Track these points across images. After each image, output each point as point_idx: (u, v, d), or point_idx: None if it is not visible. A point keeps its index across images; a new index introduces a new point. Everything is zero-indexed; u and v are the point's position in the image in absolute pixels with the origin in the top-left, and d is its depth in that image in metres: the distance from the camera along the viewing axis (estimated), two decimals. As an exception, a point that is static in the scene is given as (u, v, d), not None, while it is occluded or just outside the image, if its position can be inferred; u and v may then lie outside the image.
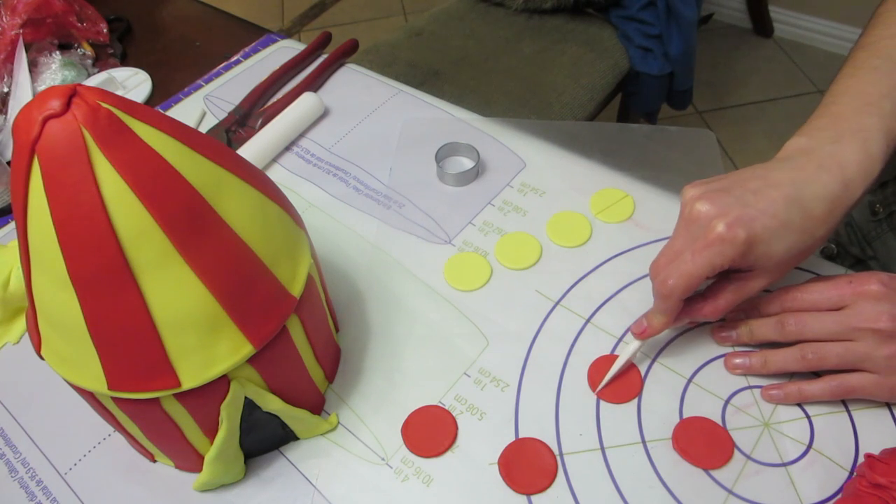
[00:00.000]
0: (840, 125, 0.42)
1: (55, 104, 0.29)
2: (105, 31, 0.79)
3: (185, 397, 0.35)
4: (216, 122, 0.67)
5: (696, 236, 0.40)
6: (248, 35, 0.79)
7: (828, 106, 0.43)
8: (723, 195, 0.40)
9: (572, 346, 0.47)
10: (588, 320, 0.48)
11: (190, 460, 0.42)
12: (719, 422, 0.42)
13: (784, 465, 0.40)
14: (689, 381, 0.44)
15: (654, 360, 0.45)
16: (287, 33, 2.01)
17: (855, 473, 0.39)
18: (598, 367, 0.45)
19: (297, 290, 0.38)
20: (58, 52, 0.75)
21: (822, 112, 0.43)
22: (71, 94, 0.29)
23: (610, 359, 0.45)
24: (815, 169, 0.40)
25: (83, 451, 0.45)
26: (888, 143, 0.41)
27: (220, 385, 0.36)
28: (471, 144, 0.59)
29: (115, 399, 0.36)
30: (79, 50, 0.77)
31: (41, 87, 0.72)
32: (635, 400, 0.44)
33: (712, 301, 0.42)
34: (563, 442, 0.42)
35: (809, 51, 1.94)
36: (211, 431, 0.39)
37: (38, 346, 0.37)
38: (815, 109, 0.44)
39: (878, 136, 0.41)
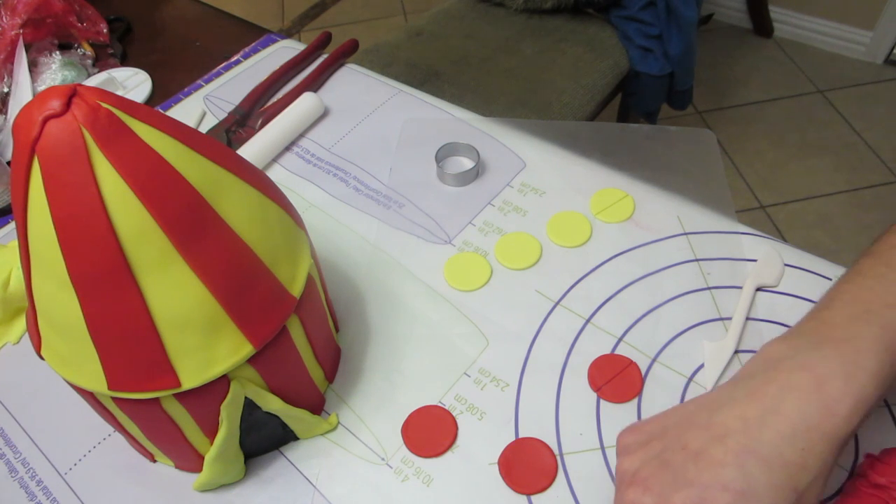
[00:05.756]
0: (822, 331, 0.34)
1: (55, 104, 0.29)
2: (105, 31, 0.79)
3: (185, 397, 0.35)
4: (216, 122, 0.67)
5: None
6: (248, 35, 0.79)
7: (817, 311, 0.36)
8: (660, 472, 0.32)
9: (572, 346, 0.47)
10: (588, 320, 0.48)
11: (190, 460, 0.42)
12: (719, 422, 0.42)
13: (784, 465, 0.40)
14: (690, 380, 0.44)
15: (654, 360, 0.45)
16: (287, 33, 2.01)
17: (855, 473, 0.39)
18: (599, 367, 0.45)
19: (297, 290, 0.38)
20: (58, 52, 0.75)
21: (809, 317, 0.36)
22: (71, 94, 0.29)
23: (610, 358, 0.45)
24: (777, 393, 0.31)
25: (83, 451, 0.45)
26: (890, 359, 0.32)
27: (220, 385, 0.36)
28: (471, 144, 0.59)
29: (115, 399, 0.36)
30: (79, 50, 0.77)
31: (41, 87, 0.72)
32: (635, 400, 0.44)
33: None
34: (563, 442, 0.42)
35: (809, 51, 1.94)
36: (211, 431, 0.39)
37: (38, 346, 0.37)
38: (803, 317, 0.36)
39: (874, 348, 0.31)
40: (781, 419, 0.31)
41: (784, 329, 0.46)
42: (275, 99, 0.68)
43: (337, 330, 0.49)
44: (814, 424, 0.30)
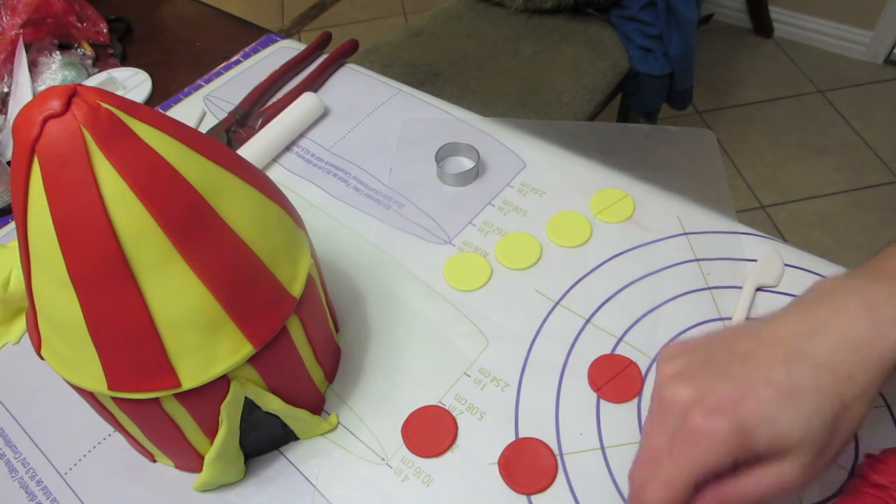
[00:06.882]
0: (877, 271, 0.33)
1: (55, 104, 0.29)
2: (105, 31, 0.79)
3: (185, 397, 0.35)
4: (216, 122, 0.67)
5: (673, 429, 0.31)
6: (248, 35, 0.79)
7: (867, 263, 0.35)
8: (702, 369, 0.31)
9: (572, 346, 0.47)
10: (588, 320, 0.48)
11: (190, 460, 0.42)
12: (719, 422, 0.42)
13: (784, 465, 0.40)
14: (689, 381, 0.44)
15: (654, 360, 0.45)
16: (287, 33, 2.01)
17: (855, 473, 0.39)
18: (599, 367, 0.45)
19: (297, 290, 0.38)
20: (58, 52, 0.75)
21: (859, 267, 0.35)
22: (71, 94, 0.29)
23: (610, 358, 0.45)
24: (828, 314, 0.31)
25: (83, 451, 0.45)
26: None
27: (220, 385, 0.36)
28: (471, 144, 0.59)
29: (115, 399, 0.36)
30: (79, 50, 0.77)
31: (41, 87, 0.72)
32: (635, 399, 0.44)
33: (729, 485, 0.31)
34: (563, 442, 0.42)
35: (809, 51, 1.94)
36: (211, 431, 0.39)
37: (38, 346, 0.37)
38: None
39: None
40: (832, 333, 0.30)
41: (784, 329, 0.46)
42: (275, 99, 0.68)
43: (337, 330, 0.49)
44: (864, 342, 0.30)
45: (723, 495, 0.30)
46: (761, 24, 1.98)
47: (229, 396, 0.37)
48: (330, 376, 0.46)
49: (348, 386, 0.46)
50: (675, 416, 0.31)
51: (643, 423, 0.34)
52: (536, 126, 0.64)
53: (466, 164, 0.60)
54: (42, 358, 0.37)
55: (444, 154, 0.60)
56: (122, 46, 0.80)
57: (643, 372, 0.45)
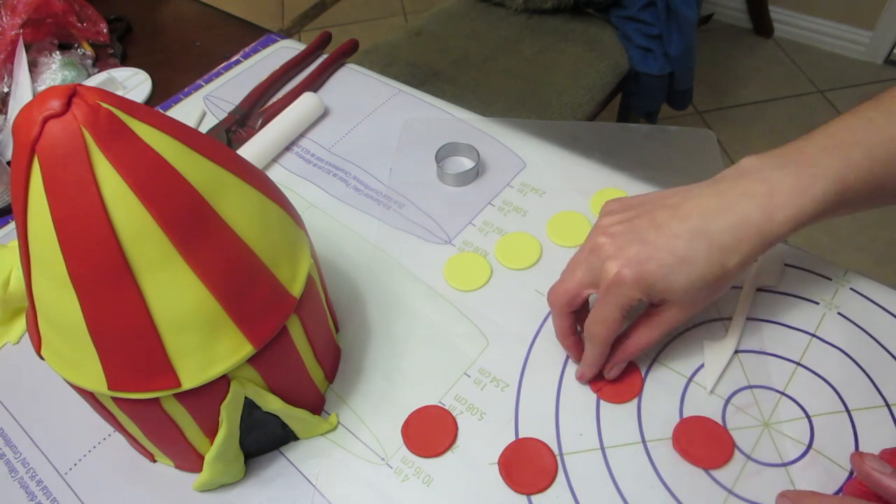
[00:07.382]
0: (794, 155, 0.39)
1: (55, 104, 0.29)
2: (105, 31, 0.79)
3: (185, 397, 0.35)
4: (216, 122, 0.67)
5: (594, 270, 0.41)
6: (248, 35, 0.79)
7: (800, 138, 0.40)
8: (626, 230, 0.40)
9: (572, 346, 0.47)
10: (588, 320, 0.48)
11: (190, 460, 0.42)
12: (720, 421, 0.42)
13: (784, 465, 0.40)
14: (690, 380, 0.44)
15: (654, 360, 0.45)
16: (287, 33, 2.01)
17: (855, 473, 0.39)
18: (598, 367, 0.45)
19: (297, 290, 0.38)
20: (58, 52, 0.75)
21: (791, 142, 0.41)
22: (71, 94, 0.29)
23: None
24: (737, 196, 0.39)
25: (83, 451, 0.45)
26: (838, 191, 0.38)
27: (220, 385, 0.36)
28: (471, 144, 0.59)
29: (115, 399, 0.36)
30: (79, 50, 0.77)
31: (41, 87, 0.72)
32: (635, 400, 0.44)
33: (634, 337, 0.42)
34: (563, 442, 0.42)
35: (809, 51, 1.94)
36: (211, 431, 0.39)
37: (38, 346, 0.37)
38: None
39: (828, 178, 0.37)
40: (731, 214, 0.38)
41: (784, 329, 0.46)
42: (275, 99, 0.68)
43: (337, 330, 0.49)
44: (754, 223, 0.38)
45: (634, 342, 0.42)
46: (761, 24, 1.98)
47: (229, 396, 0.37)
48: (330, 376, 0.46)
49: (348, 386, 0.46)
50: (598, 259, 0.40)
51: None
52: (536, 126, 0.64)
53: (466, 164, 0.60)
54: (42, 358, 0.37)
55: (444, 154, 0.60)
56: (122, 46, 0.80)
57: (643, 372, 0.45)
